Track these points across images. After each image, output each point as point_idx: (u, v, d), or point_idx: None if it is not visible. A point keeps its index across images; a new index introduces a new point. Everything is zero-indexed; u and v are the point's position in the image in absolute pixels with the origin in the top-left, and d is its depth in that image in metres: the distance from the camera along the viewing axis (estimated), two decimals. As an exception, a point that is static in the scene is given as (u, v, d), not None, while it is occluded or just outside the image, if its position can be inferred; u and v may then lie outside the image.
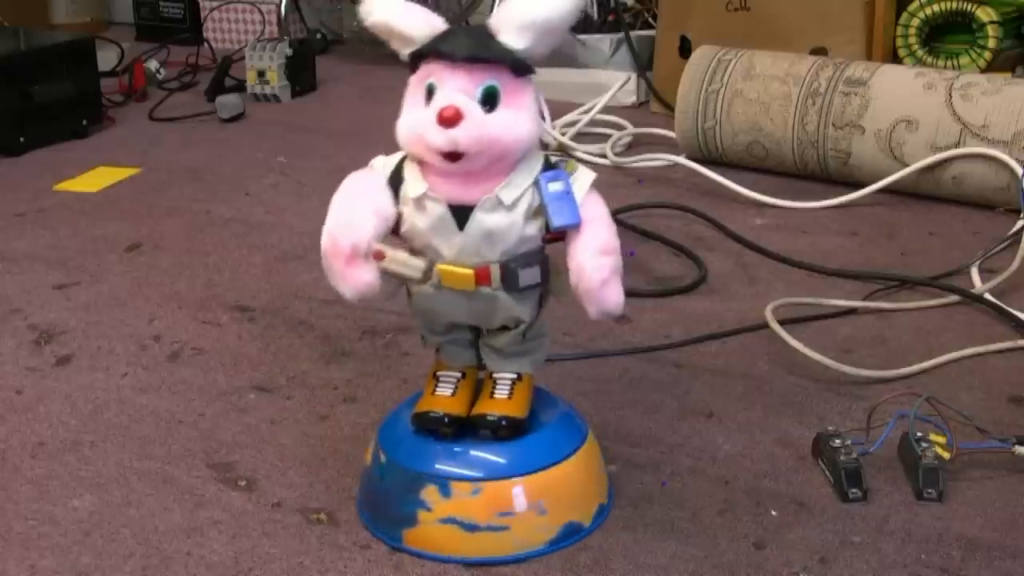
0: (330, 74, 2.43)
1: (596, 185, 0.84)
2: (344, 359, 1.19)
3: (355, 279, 0.82)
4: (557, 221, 0.82)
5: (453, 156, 0.80)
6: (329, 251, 0.83)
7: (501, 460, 0.88)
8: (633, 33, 2.19)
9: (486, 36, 0.81)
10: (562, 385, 1.05)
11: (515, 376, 0.90)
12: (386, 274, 0.83)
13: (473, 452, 0.88)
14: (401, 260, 0.83)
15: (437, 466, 0.88)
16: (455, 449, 0.88)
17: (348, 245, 0.82)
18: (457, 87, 0.80)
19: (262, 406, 1.11)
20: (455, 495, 0.87)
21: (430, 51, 0.81)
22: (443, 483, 0.87)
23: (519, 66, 0.81)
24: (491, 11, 2.38)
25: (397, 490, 0.89)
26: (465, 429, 0.89)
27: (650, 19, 2.27)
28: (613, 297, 0.83)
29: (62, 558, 0.89)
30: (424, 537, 0.88)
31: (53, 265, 1.46)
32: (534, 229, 0.83)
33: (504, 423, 0.87)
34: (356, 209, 0.83)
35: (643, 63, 2.15)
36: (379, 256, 0.82)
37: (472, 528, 0.87)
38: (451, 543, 0.87)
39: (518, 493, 0.87)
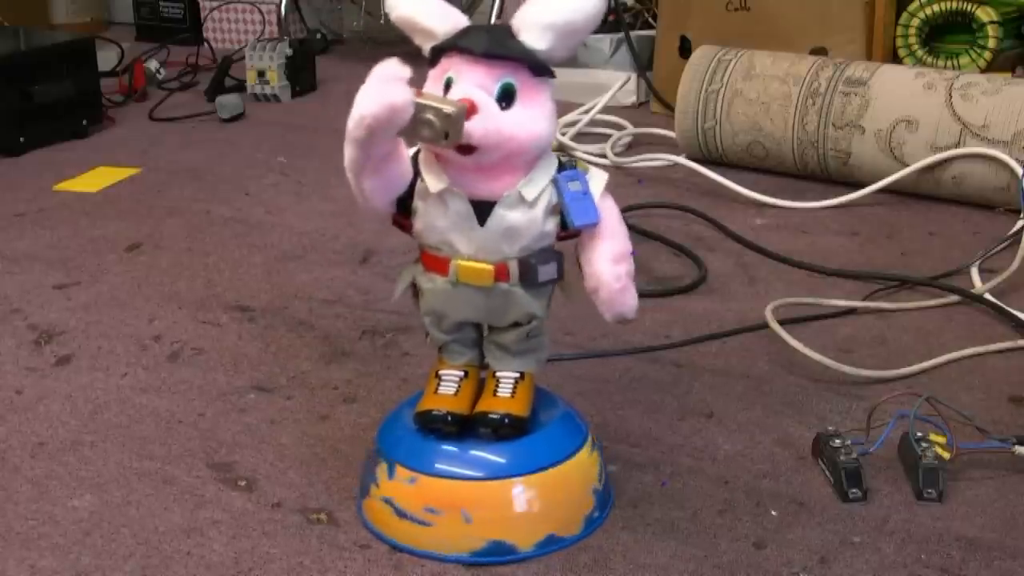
0: (330, 74, 2.43)
1: (598, 185, 0.85)
2: (344, 359, 1.19)
3: (387, 94, 0.76)
4: (578, 221, 0.83)
5: (466, 149, 0.80)
6: (371, 80, 0.77)
7: (501, 460, 0.88)
8: (633, 33, 2.19)
9: (507, 34, 0.82)
10: (562, 385, 1.05)
11: (518, 375, 0.90)
12: (416, 118, 0.78)
13: (473, 452, 0.88)
14: (437, 97, 0.80)
15: (437, 465, 0.88)
16: (455, 449, 0.88)
17: (390, 73, 0.77)
18: (475, 81, 0.81)
19: (262, 406, 1.11)
20: (396, 478, 0.88)
21: (451, 46, 0.82)
22: (391, 464, 0.89)
23: (538, 66, 0.82)
24: (491, 12, 2.41)
25: (368, 462, 0.92)
26: (465, 429, 0.89)
27: (650, 19, 2.27)
28: (630, 303, 0.86)
29: (62, 558, 0.89)
30: (368, 509, 0.91)
31: (53, 265, 1.46)
32: (551, 226, 0.84)
33: (507, 421, 0.87)
34: None
35: (643, 63, 2.16)
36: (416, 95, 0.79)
37: (400, 514, 0.88)
38: (383, 522, 0.89)
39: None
